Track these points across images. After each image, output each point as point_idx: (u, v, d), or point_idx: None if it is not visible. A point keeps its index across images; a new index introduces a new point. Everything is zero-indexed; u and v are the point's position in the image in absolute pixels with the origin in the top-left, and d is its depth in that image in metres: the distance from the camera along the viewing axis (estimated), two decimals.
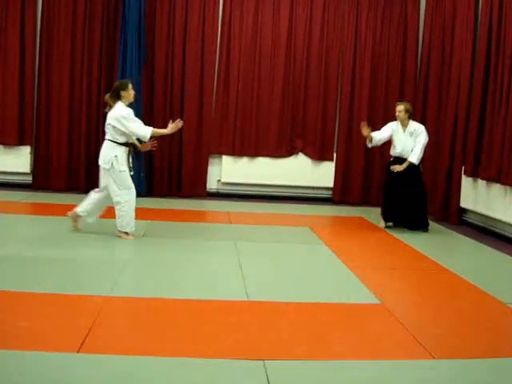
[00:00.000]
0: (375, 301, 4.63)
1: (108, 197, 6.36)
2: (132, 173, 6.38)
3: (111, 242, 6.27)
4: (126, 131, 6.16)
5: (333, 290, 4.97)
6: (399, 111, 7.57)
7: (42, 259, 5.36)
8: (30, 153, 9.67)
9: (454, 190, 8.54)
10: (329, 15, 9.82)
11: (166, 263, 5.54)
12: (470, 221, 8.38)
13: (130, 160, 6.37)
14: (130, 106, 6.39)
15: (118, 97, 6.22)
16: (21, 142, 9.63)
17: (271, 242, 6.74)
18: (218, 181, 10.12)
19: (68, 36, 9.44)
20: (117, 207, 6.28)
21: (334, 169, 10.02)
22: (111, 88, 6.45)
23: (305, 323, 4.08)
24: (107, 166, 6.19)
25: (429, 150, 9.27)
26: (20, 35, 9.42)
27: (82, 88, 9.52)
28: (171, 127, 6.43)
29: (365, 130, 7.60)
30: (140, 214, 7.87)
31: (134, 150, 6.44)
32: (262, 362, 3.34)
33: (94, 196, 6.46)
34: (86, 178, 9.52)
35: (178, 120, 6.49)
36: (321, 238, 7.02)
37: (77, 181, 9.58)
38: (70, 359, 3.26)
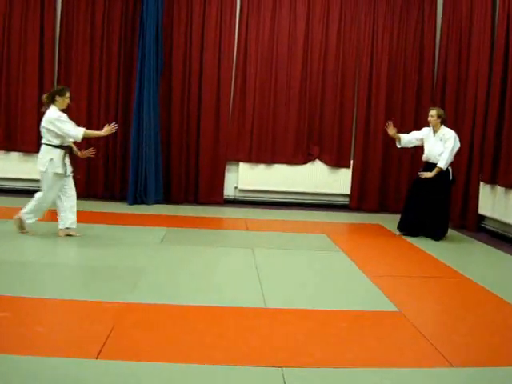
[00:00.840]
0: (393, 308, 4.61)
1: (61, 198, 6.58)
2: (68, 174, 6.58)
3: (128, 249, 6.31)
4: (60, 133, 6.36)
5: (351, 297, 4.95)
6: (431, 116, 7.52)
7: (60, 266, 5.40)
8: None
9: (472, 197, 8.49)
10: (345, 23, 9.82)
11: (183, 270, 5.55)
12: (488, 227, 8.32)
13: (67, 162, 6.54)
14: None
15: (52, 100, 6.43)
16: (40, 150, 9.67)
17: (288, 248, 6.73)
18: (235, 188, 10.14)
19: (86, 47, 9.55)
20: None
21: (350, 176, 10.00)
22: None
23: (322, 330, 4.07)
24: (43, 169, 6.42)
25: None
26: (39, 46, 9.55)
27: (100, 98, 9.61)
28: (106, 130, 6.69)
29: (390, 130, 7.71)
30: (157, 220, 7.95)
31: (71, 153, 6.65)
32: (279, 368, 3.34)
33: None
34: (105, 185, 9.61)
35: (113, 123, 6.74)
36: (338, 245, 7.00)
37: (95, 187, 9.67)
38: (88, 365, 3.29)
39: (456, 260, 6.45)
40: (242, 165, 10.00)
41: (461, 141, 8.74)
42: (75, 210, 6.64)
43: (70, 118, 9.41)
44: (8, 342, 3.53)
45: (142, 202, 9.29)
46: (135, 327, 3.94)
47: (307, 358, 3.55)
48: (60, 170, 6.42)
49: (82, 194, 9.55)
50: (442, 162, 7.36)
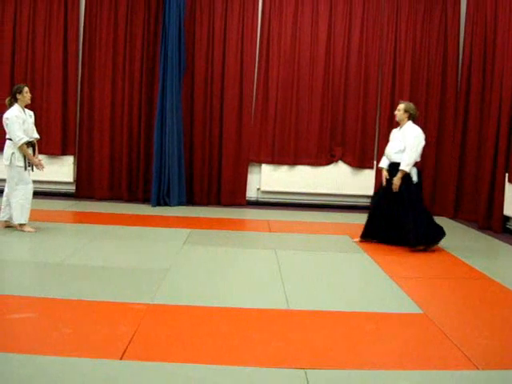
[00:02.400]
0: (418, 310, 4.57)
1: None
2: (30, 169, 6.87)
3: (152, 250, 6.34)
4: (7, 130, 6.73)
5: (374, 298, 4.93)
6: (398, 110, 6.97)
7: (86, 267, 5.46)
8: (74, 163, 9.88)
9: (498, 198, 8.39)
10: (368, 23, 9.77)
11: (206, 271, 5.57)
12: None
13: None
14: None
15: (15, 99, 6.80)
16: (64, 152, 9.85)
17: (311, 250, 6.72)
18: (258, 189, 10.15)
19: (109, 49, 9.65)
20: (13, 200, 6.79)
21: (374, 177, 9.94)
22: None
23: (346, 332, 4.05)
24: (7, 163, 6.75)
25: (470, 158, 9.20)
26: (63, 49, 9.68)
27: (124, 100, 9.70)
28: (36, 162, 6.94)
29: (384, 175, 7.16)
30: (180, 222, 7.99)
31: (33, 150, 6.96)
32: (303, 370, 3.34)
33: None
34: (128, 187, 9.70)
35: (42, 165, 7.03)
36: (361, 246, 6.97)
37: (119, 190, 9.76)
38: (113, 366, 3.31)
39: (481, 261, 6.38)
40: (264, 166, 10.00)
41: (486, 142, 8.70)
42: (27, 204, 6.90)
43: (94, 118, 9.65)
44: (34, 343, 3.57)
45: (166, 204, 9.33)
46: (159, 328, 3.96)
47: (331, 360, 3.54)
48: (21, 164, 6.75)
49: (105, 196, 9.70)
50: (403, 164, 6.74)
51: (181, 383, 3.16)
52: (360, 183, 10.00)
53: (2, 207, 6.95)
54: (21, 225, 6.83)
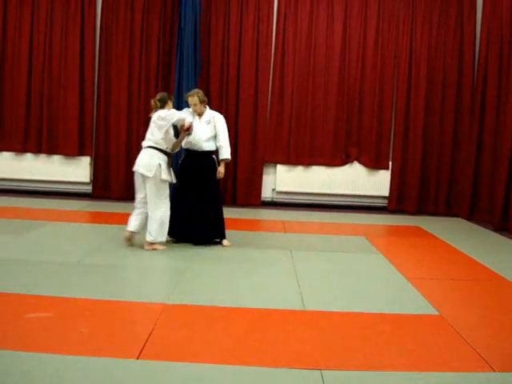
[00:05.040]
0: (434, 311, 4.57)
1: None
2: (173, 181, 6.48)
3: (168, 250, 6.37)
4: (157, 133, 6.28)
5: (390, 299, 4.92)
6: (195, 105, 6.66)
7: (103, 267, 5.50)
8: (90, 163, 9.95)
9: None
10: (383, 24, 9.74)
11: (222, 271, 5.59)
12: None
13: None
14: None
15: (164, 104, 6.38)
16: (81, 153, 9.92)
17: (327, 251, 6.72)
18: (273, 190, 10.16)
19: (126, 50, 9.70)
20: (153, 215, 6.27)
21: (389, 177, 9.92)
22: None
23: (362, 333, 4.06)
24: (150, 174, 6.22)
25: (486, 159, 9.13)
26: (79, 49, 9.73)
27: (140, 100, 9.74)
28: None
29: None
30: None
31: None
32: (319, 371, 3.35)
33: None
34: None
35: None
36: (377, 247, 6.96)
37: (133, 189, 9.76)
38: (129, 365, 3.34)
39: (498, 263, 6.34)
40: (279, 167, 10.01)
41: (502, 141, 8.64)
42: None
43: (111, 118, 9.71)
44: (51, 343, 3.61)
45: None
46: (175, 328, 3.98)
47: (346, 361, 3.55)
48: (167, 177, 6.33)
49: (122, 196, 9.74)
50: (227, 152, 6.67)
51: (196, 383, 3.19)
52: (375, 184, 9.97)
53: (135, 216, 6.48)
54: (152, 243, 6.33)
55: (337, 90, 9.83)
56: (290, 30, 9.78)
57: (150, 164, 6.24)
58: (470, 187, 9.46)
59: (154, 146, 6.31)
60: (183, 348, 3.64)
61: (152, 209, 6.28)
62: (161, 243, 6.38)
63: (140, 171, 6.30)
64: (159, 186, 6.28)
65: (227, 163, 6.93)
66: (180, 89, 9.16)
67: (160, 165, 6.25)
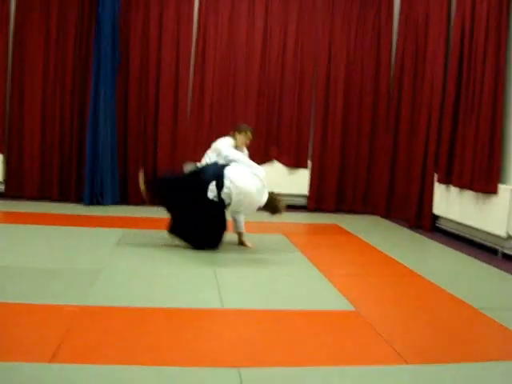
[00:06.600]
0: (350, 307, 4.65)
1: None
2: None
3: (84, 251, 6.21)
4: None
5: (308, 296, 4.97)
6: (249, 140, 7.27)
7: (15, 269, 5.29)
8: (3, 162, 9.53)
9: (427, 197, 8.64)
10: (303, 24, 9.85)
11: (140, 272, 5.49)
12: (443, 227, 8.46)
13: None
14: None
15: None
16: None
17: (246, 249, 6.72)
18: None
19: (41, 48, 9.31)
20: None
21: (308, 176, 10.05)
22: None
23: (280, 330, 4.07)
24: None
25: (402, 159, 9.42)
26: None
27: (55, 96, 9.42)
28: None
29: None
30: (115, 222, 7.84)
31: None
32: (236, 369, 3.33)
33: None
34: (59, 187, 9.45)
35: None
36: (295, 245, 7.03)
37: (50, 189, 9.49)
38: (41, 368, 3.22)
39: (412, 259, 6.54)
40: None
41: (416, 142, 8.97)
42: None
43: (25, 115, 9.37)
44: None
45: (99, 203, 9.16)
46: (90, 330, 3.87)
47: (265, 358, 3.55)
48: None
49: (36, 196, 9.41)
50: None
51: None
52: (295, 183, 10.05)
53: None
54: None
55: (257, 89, 9.86)
56: (211, 27, 9.70)
57: None
58: (386, 185, 9.73)
59: None
60: (98, 350, 3.53)
61: None
62: None
63: None
64: None
65: None
66: (97, 85, 8.99)
67: None
